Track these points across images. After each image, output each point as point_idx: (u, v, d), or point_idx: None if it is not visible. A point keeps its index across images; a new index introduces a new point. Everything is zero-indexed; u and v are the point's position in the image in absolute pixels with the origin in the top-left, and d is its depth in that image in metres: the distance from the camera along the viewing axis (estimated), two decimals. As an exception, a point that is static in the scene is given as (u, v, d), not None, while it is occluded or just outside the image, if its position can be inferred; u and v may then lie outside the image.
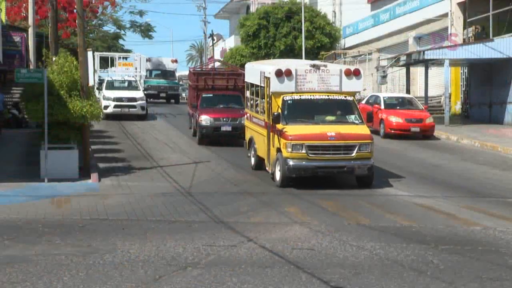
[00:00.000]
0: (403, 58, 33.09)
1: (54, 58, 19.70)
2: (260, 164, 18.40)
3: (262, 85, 17.82)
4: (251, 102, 19.35)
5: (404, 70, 35.15)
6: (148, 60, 42.77)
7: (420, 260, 10.13)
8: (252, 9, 55.86)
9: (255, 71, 18.89)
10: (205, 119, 23.59)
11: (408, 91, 33.49)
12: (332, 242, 11.23)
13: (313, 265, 9.80)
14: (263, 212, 13.87)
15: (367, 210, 14.17)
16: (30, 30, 33.91)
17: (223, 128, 23.55)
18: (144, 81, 41.66)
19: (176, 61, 43.81)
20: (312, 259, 10.13)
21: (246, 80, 20.13)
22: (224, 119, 23.62)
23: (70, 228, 12.05)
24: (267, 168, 17.61)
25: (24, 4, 41.86)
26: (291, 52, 45.87)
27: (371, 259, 10.21)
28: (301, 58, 44.69)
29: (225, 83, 26.12)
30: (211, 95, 25.32)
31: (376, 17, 43.23)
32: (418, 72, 37.72)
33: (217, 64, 37.34)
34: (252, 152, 18.92)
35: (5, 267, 9.33)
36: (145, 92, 37.55)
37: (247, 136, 19.61)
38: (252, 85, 19.32)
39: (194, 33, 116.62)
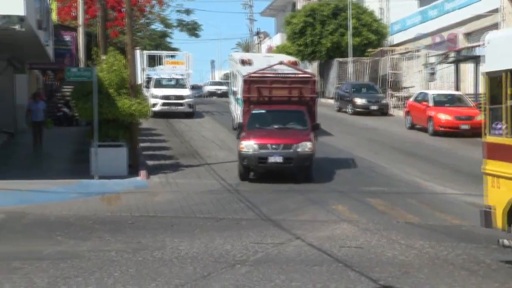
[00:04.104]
0: (452, 54, 32.57)
1: (103, 57, 19.98)
2: None
3: None
4: None
5: (453, 67, 34.61)
6: (245, 62, 25.12)
7: (471, 259, 9.97)
8: (298, 6, 55.73)
9: None
10: (247, 145, 17.04)
11: (457, 88, 32.94)
12: (381, 240, 11.14)
13: (361, 263, 9.74)
14: (310, 210, 13.85)
15: (415, 208, 14.02)
16: (80, 30, 34.48)
17: (272, 159, 16.89)
18: (236, 99, 26.09)
19: (296, 63, 25.13)
20: (361, 258, 10.06)
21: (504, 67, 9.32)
22: (274, 146, 17.01)
23: (120, 225, 12.22)
24: None
25: (74, 4, 42.51)
26: (338, 49, 45.62)
27: (421, 258, 10.10)
28: (348, 56, 44.45)
29: (286, 93, 18.97)
30: (263, 111, 18.60)
31: (424, 14, 42.65)
32: (467, 68, 37.11)
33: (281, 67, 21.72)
34: None
35: (58, 263, 9.51)
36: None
37: (501, 200, 9.30)
38: None
39: (240, 31, 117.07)
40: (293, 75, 19.82)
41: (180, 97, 33.24)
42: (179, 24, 56.00)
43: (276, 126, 18.24)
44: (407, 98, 34.35)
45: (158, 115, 31.74)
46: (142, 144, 22.29)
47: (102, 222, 12.44)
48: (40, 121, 22.56)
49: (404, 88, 39.65)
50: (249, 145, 17.05)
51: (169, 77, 36.00)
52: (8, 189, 15.39)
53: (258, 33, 70.44)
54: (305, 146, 16.99)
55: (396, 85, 40.56)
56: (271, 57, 24.81)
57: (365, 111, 35.16)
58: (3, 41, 19.41)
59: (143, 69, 36.34)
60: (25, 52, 22.94)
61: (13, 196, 14.88)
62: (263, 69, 20.14)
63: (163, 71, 39.13)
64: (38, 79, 34.55)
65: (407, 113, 30.11)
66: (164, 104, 32.70)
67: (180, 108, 33.07)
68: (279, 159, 16.90)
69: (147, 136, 25.55)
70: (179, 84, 34.91)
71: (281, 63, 20.76)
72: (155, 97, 32.74)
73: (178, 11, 55.25)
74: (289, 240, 11.06)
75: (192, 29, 57.18)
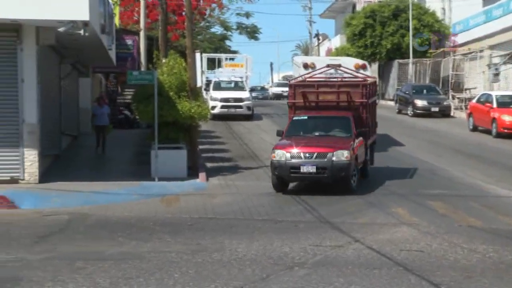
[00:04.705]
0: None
1: (163, 60, 20.22)
2: None
3: None
4: None
5: (517, 67, 33.82)
6: (308, 66, 23.38)
7: (536, 265, 9.70)
8: (358, 8, 55.34)
9: None
10: (278, 154, 15.85)
11: (522, 89, 32.11)
12: (442, 244, 10.95)
13: (422, 267, 9.59)
14: (369, 212, 13.72)
15: (478, 212, 13.73)
16: (142, 33, 35.04)
17: (304, 169, 15.56)
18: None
19: (364, 66, 23.58)
20: (421, 261, 9.91)
21: None
22: (307, 155, 15.67)
23: (180, 226, 12.34)
24: None
25: (136, 8, 43.23)
26: (398, 50, 45.13)
27: (484, 262, 9.88)
28: (408, 57, 43.91)
29: (335, 98, 17.89)
30: (304, 117, 17.57)
31: (488, 13, 41.77)
32: (533, 69, 36.19)
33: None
34: None
35: (120, 263, 9.67)
36: None
37: None
38: None
39: (300, 33, 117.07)
40: (341, 79, 18.80)
41: (239, 100, 33.41)
42: (238, 27, 56.33)
43: (317, 133, 17.07)
44: (470, 99, 33.71)
45: (217, 117, 31.96)
46: (201, 146, 22.47)
47: (162, 224, 12.59)
48: (104, 126, 22.54)
49: (467, 89, 38.91)
50: (281, 154, 15.82)
51: (228, 80, 36.22)
52: (71, 190, 15.73)
53: (317, 35, 70.19)
54: (341, 155, 15.53)
55: (458, 87, 39.85)
56: (338, 60, 23.49)
57: (426, 113, 34.69)
58: (68, 46, 19.87)
59: (202, 72, 36.66)
60: (89, 56, 23.43)
61: (77, 197, 15.21)
62: (309, 73, 19.30)
63: (222, 73, 39.42)
64: (101, 82, 35.25)
65: (470, 114, 29.54)
66: (223, 107, 32.92)
67: (239, 110, 33.24)
68: (312, 169, 15.55)
69: (206, 138, 25.76)
70: (238, 86, 35.09)
71: (328, 66, 19.89)
72: (214, 99, 32.98)
73: (238, 14, 55.56)
74: (348, 243, 10.98)
75: (252, 32, 57.41)
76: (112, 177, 17.49)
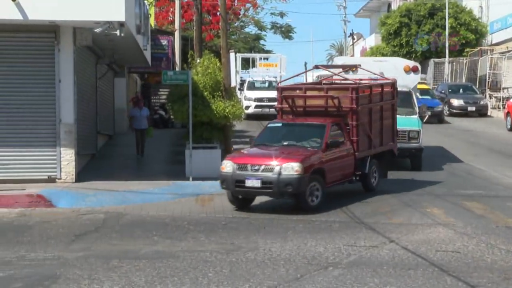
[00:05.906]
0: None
1: (198, 60, 20.27)
2: None
3: None
4: None
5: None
6: (350, 69, 19.73)
7: None
8: (394, 6, 54.95)
9: None
10: (227, 165, 14.21)
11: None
12: (479, 245, 10.83)
13: (458, 268, 9.49)
14: (404, 213, 13.62)
15: (516, 213, 13.53)
16: (176, 34, 35.25)
17: (249, 183, 13.80)
18: None
19: (416, 68, 21.10)
20: (458, 262, 9.81)
21: None
22: (255, 168, 13.92)
23: (214, 226, 12.39)
24: None
25: (171, 9, 43.50)
26: (434, 49, 44.70)
27: (522, 264, 9.74)
28: (444, 56, 43.46)
29: (323, 103, 15.92)
30: (279, 124, 15.96)
31: (526, 11, 41.16)
32: None
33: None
34: None
35: (154, 262, 9.74)
36: None
37: None
38: None
39: (334, 33, 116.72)
40: (330, 82, 17.21)
41: (273, 99, 33.34)
42: (273, 26, 56.36)
43: (285, 143, 15.07)
44: (507, 98, 33.26)
45: (251, 117, 32.02)
46: (235, 146, 22.49)
47: (196, 223, 12.65)
48: (144, 129, 21.81)
49: (504, 88, 38.41)
50: (229, 165, 14.12)
51: (262, 80, 36.27)
52: (107, 189, 15.88)
53: (351, 34, 69.83)
54: (290, 169, 13.56)
55: (496, 85, 39.35)
56: (384, 62, 21.44)
57: (462, 113, 34.32)
58: (104, 46, 20.07)
59: (237, 72, 36.73)
60: (124, 57, 23.62)
61: (112, 196, 15.34)
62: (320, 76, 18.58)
63: (257, 73, 39.47)
64: (136, 82, 35.52)
65: (507, 114, 29.15)
66: (257, 106, 32.99)
67: (272, 110, 33.20)
68: (256, 183, 13.73)
69: (240, 138, 25.77)
70: (272, 86, 35.10)
71: (316, 68, 19.05)
72: (248, 99, 33.06)
73: (272, 13, 55.62)
74: (382, 243, 10.91)
75: (286, 32, 57.40)
76: (147, 177, 17.62)
